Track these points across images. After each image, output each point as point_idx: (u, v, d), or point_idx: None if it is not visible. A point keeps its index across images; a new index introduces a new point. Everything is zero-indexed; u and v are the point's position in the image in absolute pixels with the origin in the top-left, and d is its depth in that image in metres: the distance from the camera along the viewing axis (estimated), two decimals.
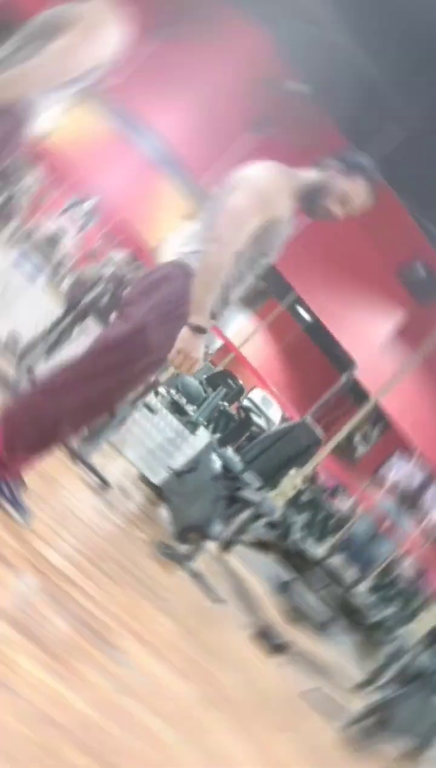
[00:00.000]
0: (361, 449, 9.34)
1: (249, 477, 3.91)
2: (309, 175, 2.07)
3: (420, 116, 5.25)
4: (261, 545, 4.58)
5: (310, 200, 2.06)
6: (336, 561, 4.40)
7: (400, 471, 8.87)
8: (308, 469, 3.84)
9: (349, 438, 7.77)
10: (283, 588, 4.49)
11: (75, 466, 3.27)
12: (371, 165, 2.10)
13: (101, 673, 1.50)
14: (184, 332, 1.85)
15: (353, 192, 2.04)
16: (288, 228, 2.06)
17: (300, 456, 3.98)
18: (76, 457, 3.35)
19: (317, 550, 4.51)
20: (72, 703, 1.27)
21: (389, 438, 8.98)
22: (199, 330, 1.86)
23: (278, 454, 3.95)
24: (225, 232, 1.90)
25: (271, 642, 3.28)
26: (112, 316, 2.00)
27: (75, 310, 4.06)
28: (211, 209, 2.05)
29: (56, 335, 3.97)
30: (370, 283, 6.63)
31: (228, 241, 1.90)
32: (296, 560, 4.36)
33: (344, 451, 8.98)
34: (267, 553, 4.60)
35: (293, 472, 3.88)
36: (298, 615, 4.33)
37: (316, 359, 9.03)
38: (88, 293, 4.30)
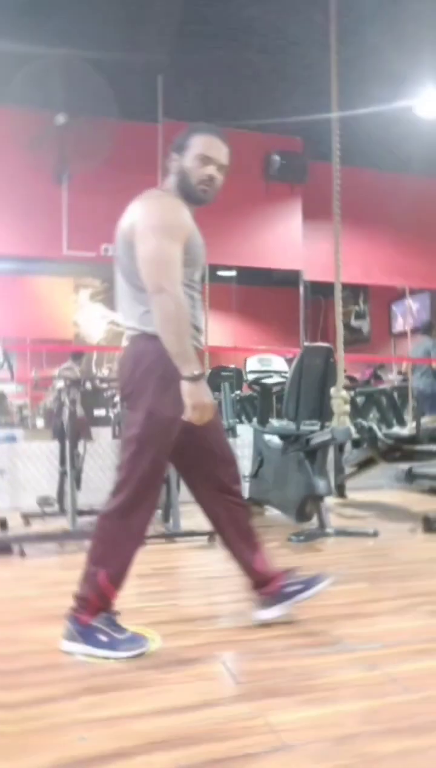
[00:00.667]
0: (363, 325, 9.85)
1: (306, 427, 3.90)
2: (169, 179, 2.08)
3: None
4: (365, 464, 4.68)
5: (188, 191, 2.03)
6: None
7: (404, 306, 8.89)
8: (341, 378, 3.85)
9: (347, 325, 7.84)
10: (409, 477, 4.65)
11: (173, 543, 3.56)
12: (193, 126, 2.07)
13: None
14: (185, 386, 1.85)
15: (205, 148, 2.02)
16: (197, 231, 2.03)
17: (327, 375, 3.92)
18: (170, 536, 3.66)
19: (404, 431, 4.51)
20: None
21: (375, 298, 9.48)
22: (195, 378, 1.85)
23: (310, 389, 3.88)
24: (161, 278, 1.86)
25: None
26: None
27: None
28: (124, 267, 2.00)
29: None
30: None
31: (168, 283, 1.86)
32: (399, 451, 4.37)
33: (354, 338, 9.59)
34: (376, 465, 4.68)
35: (332, 391, 3.83)
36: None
37: (263, 295, 8.83)
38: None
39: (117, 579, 1.94)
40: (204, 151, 2.01)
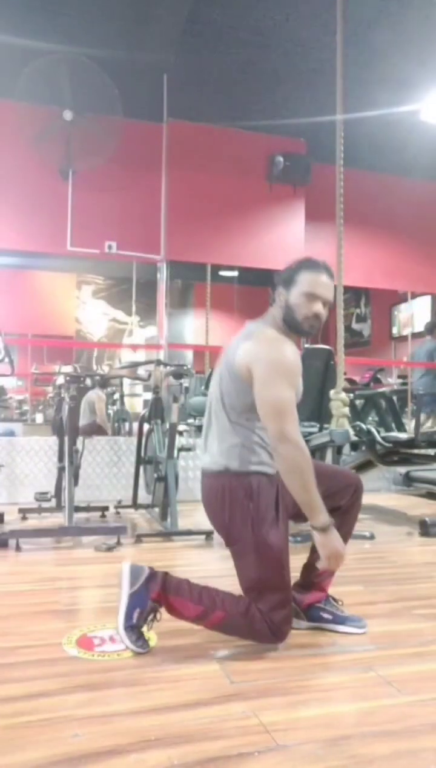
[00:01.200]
0: (364, 328, 9.97)
1: (304, 428, 3.89)
2: (273, 311, 2.09)
3: None
4: (363, 467, 4.65)
5: (294, 326, 2.05)
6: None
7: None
8: (341, 380, 3.86)
9: (347, 328, 7.86)
10: (407, 481, 4.77)
11: (170, 542, 3.63)
12: (294, 264, 2.09)
13: None
14: (317, 537, 1.88)
15: (313, 286, 2.02)
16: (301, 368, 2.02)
17: (327, 377, 3.92)
18: (167, 534, 3.73)
19: (402, 435, 4.50)
20: None
21: (376, 301, 9.57)
22: (325, 528, 1.87)
23: (310, 391, 3.87)
24: (285, 426, 1.85)
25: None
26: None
27: None
28: (230, 401, 2.00)
29: None
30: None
31: (293, 431, 1.85)
32: (397, 454, 4.37)
33: (354, 341, 9.72)
34: (374, 467, 4.69)
35: (332, 393, 3.83)
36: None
37: (265, 296, 8.76)
38: None
39: (215, 626, 1.98)
40: (311, 289, 2.02)
